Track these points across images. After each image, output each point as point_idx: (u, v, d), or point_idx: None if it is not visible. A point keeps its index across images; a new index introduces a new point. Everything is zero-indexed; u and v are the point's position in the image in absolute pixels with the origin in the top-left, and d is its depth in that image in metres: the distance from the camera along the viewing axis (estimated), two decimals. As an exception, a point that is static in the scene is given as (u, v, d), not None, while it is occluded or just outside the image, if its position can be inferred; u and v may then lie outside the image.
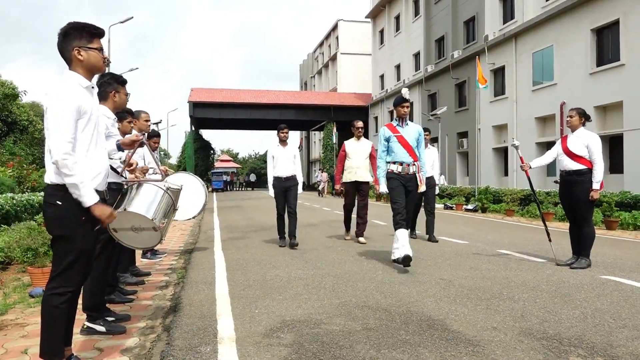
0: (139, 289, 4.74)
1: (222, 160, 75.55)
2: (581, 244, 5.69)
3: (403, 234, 5.55)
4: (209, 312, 3.89)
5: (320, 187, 33.61)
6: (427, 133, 7.96)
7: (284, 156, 7.50)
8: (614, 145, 16.05)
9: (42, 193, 9.29)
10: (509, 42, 21.19)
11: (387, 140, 5.95)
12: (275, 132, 7.75)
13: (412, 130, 5.97)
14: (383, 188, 5.87)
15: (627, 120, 15.06)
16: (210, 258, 6.61)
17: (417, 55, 32.44)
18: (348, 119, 41.78)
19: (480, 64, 18.05)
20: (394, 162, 5.85)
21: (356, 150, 8.06)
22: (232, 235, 9.32)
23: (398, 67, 35.30)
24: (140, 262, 6.22)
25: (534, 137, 19.45)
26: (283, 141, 7.55)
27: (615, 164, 15.84)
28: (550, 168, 16.63)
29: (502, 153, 22.45)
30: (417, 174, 5.86)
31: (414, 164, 5.86)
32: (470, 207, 16.21)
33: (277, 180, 7.41)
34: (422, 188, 5.98)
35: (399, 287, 4.68)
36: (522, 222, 12.48)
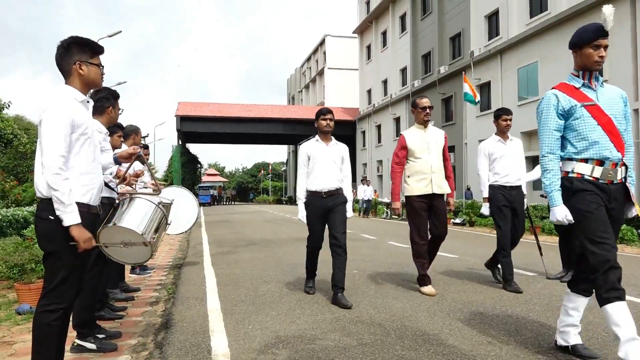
0: (129, 305, 4.66)
1: (208, 175, 75.30)
2: (571, 257, 5.74)
3: (623, 309, 2.76)
4: (202, 328, 3.84)
5: None
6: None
7: (326, 158, 4.84)
8: (598, 160, 16.28)
9: (27, 208, 9.14)
10: (495, 58, 21.53)
11: (566, 116, 3.03)
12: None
13: (613, 96, 3.08)
14: (562, 213, 2.94)
15: (610, 135, 15.33)
16: (200, 273, 6.54)
17: (403, 71, 32.80)
18: (335, 133, 42.00)
19: (467, 79, 18.26)
20: (586, 160, 2.96)
21: (426, 143, 5.12)
22: (222, 250, 9.24)
23: (385, 82, 35.64)
24: (129, 277, 6.13)
25: (520, 151, 19.67)
26: (325, 133, 4.91)
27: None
28: (537, 182, 16.78)
29: (489, 167, 22.63)
30: (626, 183, 3.01)
31: (622, 163, 2.99)
32: (458, 220, 16.29)
33: (314, 196, 4.81)
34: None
35: (392, 302, 4.67)
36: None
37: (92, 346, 3.31)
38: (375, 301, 4.71)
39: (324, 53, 51.51)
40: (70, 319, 3.13)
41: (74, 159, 2.53)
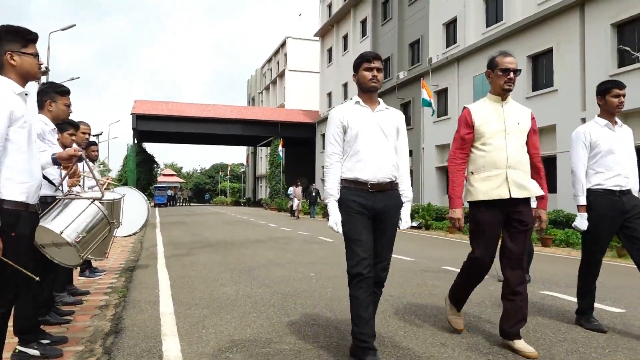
0: (77, 309, 4.48)
1: (165, 175, 73.82)
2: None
3: None
4: (153, 332, 3.73)
5: (293, 206, 25.34)
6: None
7: (374, 129, 3.09)
8: (547, 167, 16.82)
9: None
10: (452, 65, 22.03)
11: None
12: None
13: None
14: None
15: (560, 142, 15.93)
16: (154, 276, 6.37)
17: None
18: (295, 135, 42.24)
19: (426, 85, 18.60)
20: None
21: (502, 123, 3.40)
22: (177, 252, 9.05)
23: (345, 85, 35.88)
24: (78, 280, 5.90)
25: (475, 157, 20.22)
26: (370, 92, 3.14)
27: (548, 184, 16.57)
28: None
29: (445, 172, 23.13)
30: None
31: None
32: (414, 224, 16.55)
33: (355, 189, 3.04)
34: None
35: (348, 305, 4.66)
36: (464, 239, 12.86)
37: (35, 352, 3.16)
38: (331, 304, 4.71)
39: (285, 55, 51.42)
40: (12, 324, 2.99)
41: (10, 156, 2.41)
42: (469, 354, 3.23)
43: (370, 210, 3.00)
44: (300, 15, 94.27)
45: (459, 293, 3.75)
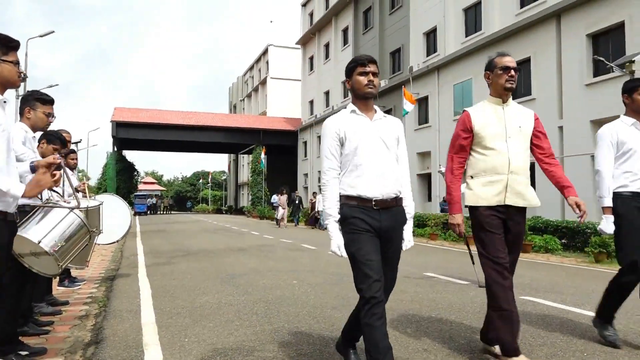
0: (56, 320, 4.41)
1: (145, 183, 73.11)
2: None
3: None
4: (135, 342, 3.69)
5: (278, 216, 24.41)
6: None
7: (374, 140, 2.81)
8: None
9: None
10: (432, 73, 22.34)
11: None
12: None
13: None
14: None
15: (538, 150, 16.25)
16: (135, 285, 6.30)
17: (345, 83, 33.28)
18: (277, 143, 42.22)
19: (407, 92, 18.80)
20: None
21: (503, 127, 3.22)
22: (158, 261, 8.96)
23: (327, 93, 36.05)
24: (57, 290, 5.80)
25: (455, 164, 20.45)
26: (366, 98, 2.85)
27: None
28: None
29: (426, 179, 23.37)
30: None
31: None
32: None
33: (358, 206, 2.72)
34: None
35: (331, 312, 4.69)
36: (446, 245, 12.99)
37: (14, 364, 3.10)
38: (314, 311, 4.71)
39: (267, 63, 51.48)
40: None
41: None
42: (450, 360, 3.27)
43: (377, 230, 2.70)
44: (271, 22, 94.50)
45: (504, 333, 3.10)
